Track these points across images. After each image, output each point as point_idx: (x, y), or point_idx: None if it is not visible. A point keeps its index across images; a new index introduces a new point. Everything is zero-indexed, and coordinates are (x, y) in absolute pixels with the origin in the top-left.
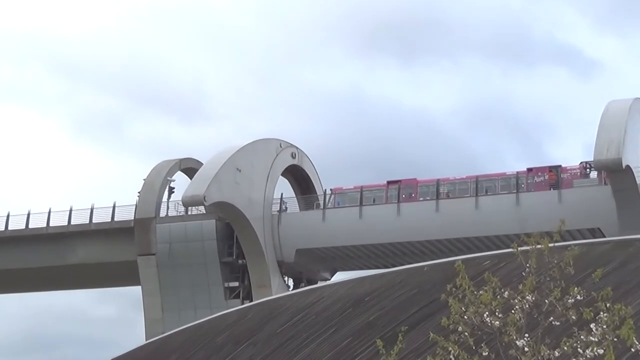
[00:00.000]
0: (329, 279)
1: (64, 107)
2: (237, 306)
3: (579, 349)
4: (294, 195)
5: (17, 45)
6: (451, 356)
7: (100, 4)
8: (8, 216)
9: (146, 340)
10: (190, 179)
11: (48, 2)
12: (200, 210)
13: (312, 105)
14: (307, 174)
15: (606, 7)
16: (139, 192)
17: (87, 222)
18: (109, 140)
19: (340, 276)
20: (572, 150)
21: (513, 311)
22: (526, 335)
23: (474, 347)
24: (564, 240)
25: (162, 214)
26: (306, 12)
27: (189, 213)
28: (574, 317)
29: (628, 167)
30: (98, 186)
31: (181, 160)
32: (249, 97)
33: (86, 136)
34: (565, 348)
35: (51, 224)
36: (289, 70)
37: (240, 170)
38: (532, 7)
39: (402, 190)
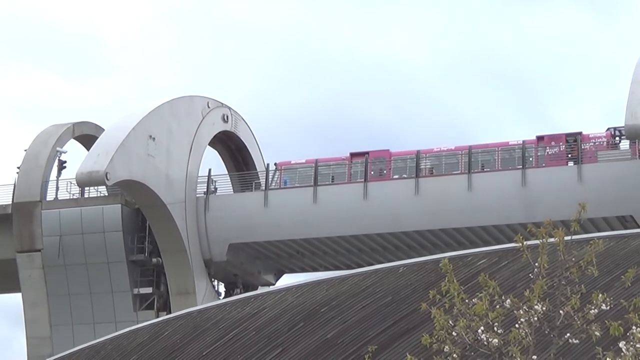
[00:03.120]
0: (273, 284)
1: None
2: (150, 319)
3: None
4: (226, 172)
5: None
6: None
7: None
8: None
9: None
10: (88, 149)
11: None
12: (100, 192)
13: (243, 53)
14: (244, 144)
15: None
16: (18, 168)
17: None
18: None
19: (287, 280)
20: (589, 113)
21: (517, 325)
22: (534, 357)
23: None
24: (585, 232)
25: (50, 196)
26: None
27: (86, 195)
28: (597, 334)
29: None
30: None
31: (75, 124)
32: (156, 41)
33: None
34: None
35: None
36: (208, 4)
37: (154, 139)
38: None
39: (370, 165)
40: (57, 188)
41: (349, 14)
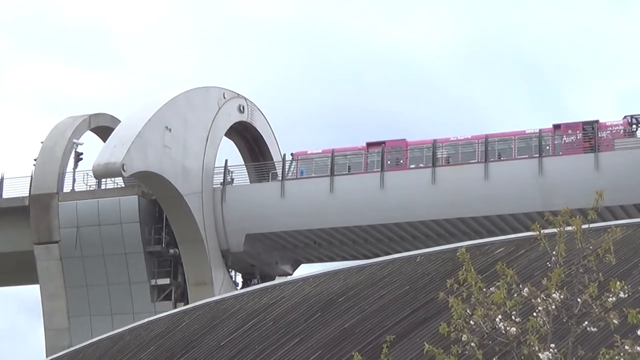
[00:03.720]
0: (291, 274)
1: None
2: (167, 310)
3: None
4: (243, 163)
5: None
6: None
7: None
8: None
9: (47, 357)
10: (104, 141)
11: None
12: (117, 183)
13: (258, 44)
14: (260, 134)
15: None
16: (35, 160)
17: None
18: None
19: (304, 270)
20: (604, 101)
21: (535, 314)
22: (552, 345)
23: None
24: (603, 220)
25: (67, 188)
26: None
27: (103, 187)
28: (615, 322)
29: None
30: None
31: (91, 116)
32: (171, 33)
33: None
34: None
35: None
36: (224, 6)
37: (170, 130)
38: None
39: (387, 154)
40: (74, 180)
41: (362, 5)
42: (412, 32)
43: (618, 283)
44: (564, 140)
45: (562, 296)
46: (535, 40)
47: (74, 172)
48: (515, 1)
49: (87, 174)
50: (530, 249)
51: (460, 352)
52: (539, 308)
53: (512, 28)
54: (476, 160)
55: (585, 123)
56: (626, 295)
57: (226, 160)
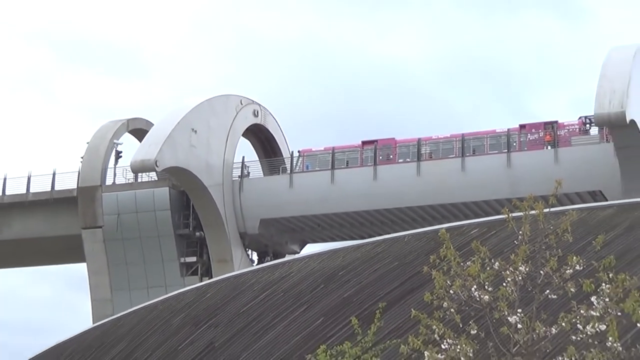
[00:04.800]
0: (298, 252)
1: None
2: (194, 284)
3: (578, 325)
4: (257, 159)
5: None
6: (435, 335)
7: None
8: None
9: (93, 323)
10: (140, 141)
11: None
12: (151, 177)
13: (269, 57)
14: (272, 135)
15: None
16: (81, 157)
17: (24, 192)
18: (40, 99)
19: (310, 249)
20: (560, 105)
21: (504, 284)
22: (519, 310)
23: (461, 325)
24: (561, 205)
25: (109, 181)
26: None
27: (139, 180)
28: (572, 290)
29: (633, 121)
30: (36, 151)
31: (129, 120)
32: (190, 48)
33: (15, 95)
34: (563, 324)
35: None
36: (234, 17)
37: (196, 131)
38: None
39: (378, 151)
40: (115, 174)
41: (356, 25)
42: (398, 47)
43: (574, 257)
44: (529, 138)
45: (527, 269)
46: (502, 53)
47: (114, 168)
48: (485, 20)
49: (126, 169)
50: (500, 230)
51: (441, 316)
52: (508, 279)
53: (483, 43)
54: (454, 155)
55: (546, 123)
56: (581, 268)
57: (243, 157)
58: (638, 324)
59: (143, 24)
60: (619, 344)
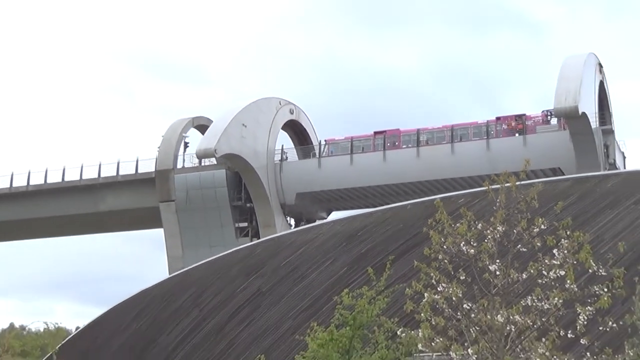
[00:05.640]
0: (325, 218)
1: (89, 75)
2: (246, 243)
3: (543, 272)
4: (293, 146)
5: (56, 28)
6: (433, 281)
7: None
8: (46, 171)
9: (169, 274)
10: (202, 134)
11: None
12: (212, 162)
13: (297, 68)
14: (304, 128)
15: None
16: (158, 147)
17: (115, 174)
18: (124, 102)
19: (335, 215)
20: (526, 101)
21: (486, 241)
22: (497, 261)
23: (452, 273)
24: (529, 179)
25: (179, 165)
26: None
27: (202, 164)
28: (538, 244)
29: (584, 113)
30: (123, 143)
31: (194, 118)
32: (241, 61)
33: (108, 99)
34: (532, 271)
35: (84, 177)
36: (274, 38)
37: (245, 126)
38: None
39: (387, 139)
40: (184, 160)
41: (365, 41)
42: (399, 58)
43: (540, 219)
44: (503, 127)
45: (503, 229)
46: (480, 61)
47: (183, 155)
48: (467, 36)
49: (192, 156)
50: (483, 199)
51: (437, 266)
52: (489, 237)
53: (465, 54)
54: (446, 142)
55: (516, 116)
56: (545, 227)
57: (282, 145)
58: (589, 270)
59: (205, 42)
60: (574, 286)
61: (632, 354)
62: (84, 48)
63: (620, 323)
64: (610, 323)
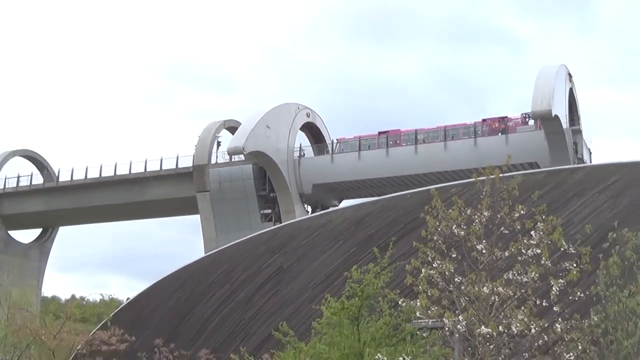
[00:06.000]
0: (337, 205)
1: (135, 85)
2: (270, 227)
3: (522, 250)
4: (310, 145)
5: (109, 44)
6: (429, 258)
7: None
8: (101, 167)
9: (205, 253)
10: (232, 134)
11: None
12: (240, 158)
13: (311, 77)
14: (319, 128)
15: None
16: (195, 145)
17: (158, 169)
18: (162, 108)
19: (345, 203)
20: (508, 105)
21: (474, 224)
22: (484, 241)
23: (445, 251)
24: (510, 172)
25: (213, 161)
26: (303, 9)
27: (233, 160)
28: (518, 227)
29: (556, 116)
30: (164, 142)
31: (225, 121)
32: (263, 72)
33: (151, 105)
34: (513, 250)
35: (132, 171)
36: (290, 51)
37: (269, 127)
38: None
39: (389, 138)
40: (217, 156)
41: (369, 53)
42: (399, 68)
43: (520, 206)
44: (488, 128)
45: (489, 214)
46: (469, 71)
47: (216, 152)
48: (457, 50)
49: (224, 153)
50: (471, 188)
51: (432, 245)
52: (476, 221)
53: (456, 65)
54: (439, 140)
55: (499, 118)
56: (524, 212)
57: (300, 144)
58: (561, 248)
59: (232, 56)
60: (548, 262)
61: (596, 319)
62: (130, 62)
63: (587, 293)
64: (578, 293)
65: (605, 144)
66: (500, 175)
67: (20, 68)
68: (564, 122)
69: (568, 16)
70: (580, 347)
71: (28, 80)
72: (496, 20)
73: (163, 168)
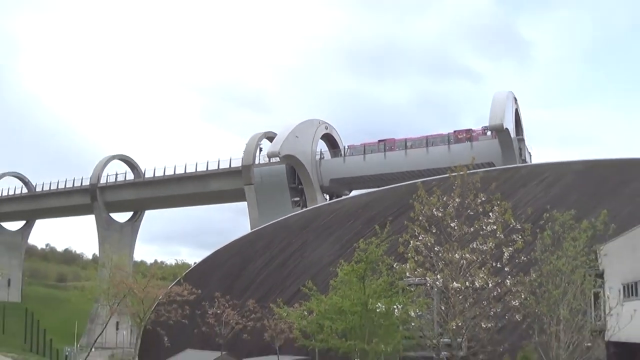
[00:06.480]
0: (348, 194)
1: (190, 107)
2: (298, 211)
3: (483, 227)
4: (328, 150)
5: (172, 74)
6: (416, 233)
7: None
8: (175, 167)
9: (250, 230)
10: (271, 142)
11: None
12: (276, 160)
13: (327, 99)
14: (335, 138)
15: (482, 39)
16: (243, 151)
17: (216, 168)
18: (215, 123)
19: (354, 193)
20: (472, 121)
21: (448, 208)
22: (455, 220)
23: (428, 228)
24: (475, 169)
25: (256, 162)
26: (320, 47)
27: (271, 161)
28: (480, 210)
29: (507, 129)
30: (222, 149)
31: (265, 132)
32: (291, 94)
33: (210, 121)
34: (476, 226)
35: (197, 169)
36: (312, 81)
37: (297, 137)
38: (447, 43)
39: (386, 144)
40: (259, 158)
41: (367, 85)
42: (392, 92)
43: (481, 194)
44: (458, 137)
45: (459, 199)
46: (444, 95)
47: (259, 155)
48: (435, 79)
49: (264, 156)
50: (446, 182)
51: (419, 224)
52: (450, 205)
53: (435, 90)
54: (423, 146)
55: (466, 130)
56: (485, 199)
57: (321, 149)
58: (510, 225)
59: (267, 82)
60: (502, 235)
61: (534, 276)
62: (194, 85)
63: (528, 257)
64: (522, 257)
65: (539, 149)
66: (467, 172)
67: (117, 90)
68: (512, 133)
69: (513, 57)
70: (522, 296)
71: (120, 99)
72: (461, 59)
73: (220, 167)
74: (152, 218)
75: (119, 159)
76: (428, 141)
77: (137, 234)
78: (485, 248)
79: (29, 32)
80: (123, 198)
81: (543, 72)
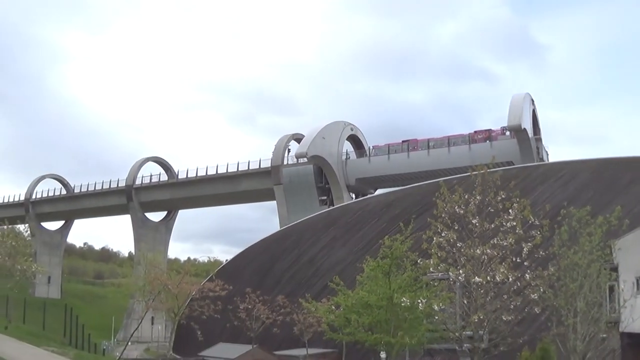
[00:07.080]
0: (373, 193)
1: (220, 110)
2: (325, 209)
3: (503, 223)
4: (353, 150)
5: (204, 80)
6: (439, 230)
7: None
8: (207, 168)
9: (280, 228)
10: (299, 144)
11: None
12: (304, 160)
13: (350, 103)
14: (360, 139)
15: (499, 43)
16: (272, 152)
17: (247, 168)
18: (247, 128)
19: (379, 191)
20: (491, 121)
21: (470, 205)
22: (477, 217)
23: (450, 224)
24: (495, 167)
25: (285, 162)
26: (341, 53)
27: (299, 161)
28: (500, 207)
29: (525, 129)
30: (252, 150)
31: (293, 134)
32: (318, 99)
33: (236, 126)
34: (497, 223)
35: (229, 170)
36: (336, 85)
37: (324, 138)
38: (465, 47)
39: (410, 144)
40: (288, 159)
41: (389, 84)
42: (412, 95)
43: (501, 192)
44: (477, 137)
45: (480, 197)
46: (463, 98)
47: (288, 156)
48: (454, 82)
49: (292, 157)
50: (467, 180)
51: (441, 221)
52: (471, 203)
53: (454, 93)
54: (445, 146)
55: (486, 130)
56: (504, 196)
57: (347, 150)
58: (529, 221)
59: (295, 86)
60: (521, 231)
61: (552, 270)
62: (223, 92)
63: (547, 252)
64: (541, 252)
65: (556, 148)
66: (487, 170)
67: (152, 96)
68: (530, 133)
69: (528, 60)
70: (541, 290)
71: (154, 104)
72: (478, 62)
73: (250, 168)
74: (185, 217)
75: (153, 161)
76: (449, 141)
77: (171, 232)
78: (505, 244)
79: (68, 39)
80: (157, 198)
81: (558, 75)
